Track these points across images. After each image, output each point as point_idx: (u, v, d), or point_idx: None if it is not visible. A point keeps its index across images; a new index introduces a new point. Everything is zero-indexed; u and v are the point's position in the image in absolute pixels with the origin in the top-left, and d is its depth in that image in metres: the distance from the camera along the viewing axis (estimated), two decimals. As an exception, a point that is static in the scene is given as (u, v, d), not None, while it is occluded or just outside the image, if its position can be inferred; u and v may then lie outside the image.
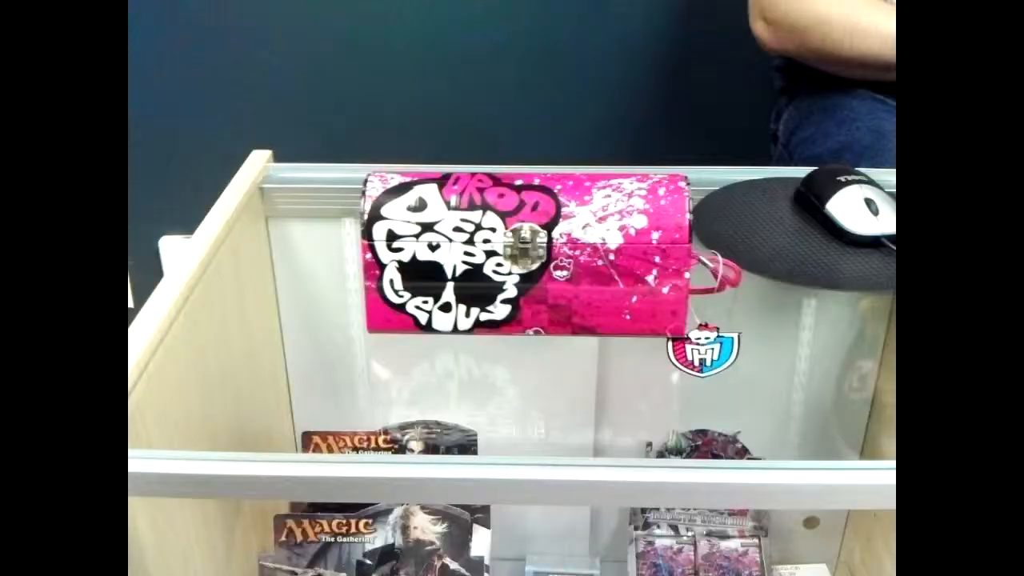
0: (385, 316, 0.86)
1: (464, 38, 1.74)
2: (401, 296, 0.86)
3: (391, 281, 0.85)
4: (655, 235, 0.83)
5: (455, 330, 0.86)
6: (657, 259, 0.83)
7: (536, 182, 0.85)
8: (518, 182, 0.84)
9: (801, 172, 0.98)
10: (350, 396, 1.10)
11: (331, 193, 1.01)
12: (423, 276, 0.85)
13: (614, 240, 0.83)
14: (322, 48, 1.75)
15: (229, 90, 1.79)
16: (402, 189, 0.86)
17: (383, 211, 0.85)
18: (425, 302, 0.86)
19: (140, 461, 0.62)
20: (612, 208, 0.83)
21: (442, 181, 0.86)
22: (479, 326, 0.86)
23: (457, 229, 0.83)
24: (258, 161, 1.02)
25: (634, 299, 0.84)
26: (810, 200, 0.94)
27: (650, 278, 0.84)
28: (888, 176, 0.97)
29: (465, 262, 0.84)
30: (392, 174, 0.87)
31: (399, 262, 0.85)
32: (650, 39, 1.75)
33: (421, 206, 0.85)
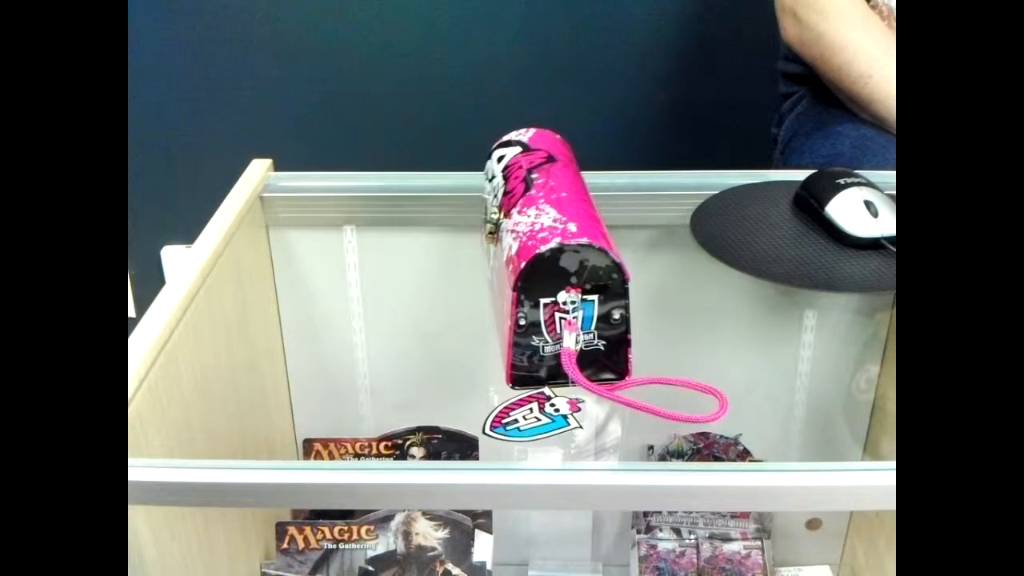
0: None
1: (464, 45, 1.75)
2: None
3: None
4: (509, 268, 0.77)
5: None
6: (509, 293, 0.77)
7: (535, 177, 0.84)
8: (535, 175, 0.84)
9: (800, 175, 0.98)
10: (351, 403, 1.10)
11: (331, 201, 1.01)
12: (492, 220, 0.87)
13: (505, 256, 0.79)
14: (321, 57, 1.75)
15: (229, 100, 1.79)
16: (515, 144, 0.92)
17: (495, 152, 0.92)
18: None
19: (141, 469, 0.62)
20: (519, 227, 0.79)
21: (526, 149, 0.90)
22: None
23: (491, 190, 0.87)
24: (258, 170, 1.03)
25: (508, 322, 0.79)
26: (810, 203, 0.94)
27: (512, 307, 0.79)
28: (889, 178, 0.97)
29: (490, 219, 0.86)
30: (542, 134, 0.93)
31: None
32: (654, 42, 1.75)
33: (500, 159, 0.90)
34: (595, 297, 0.77)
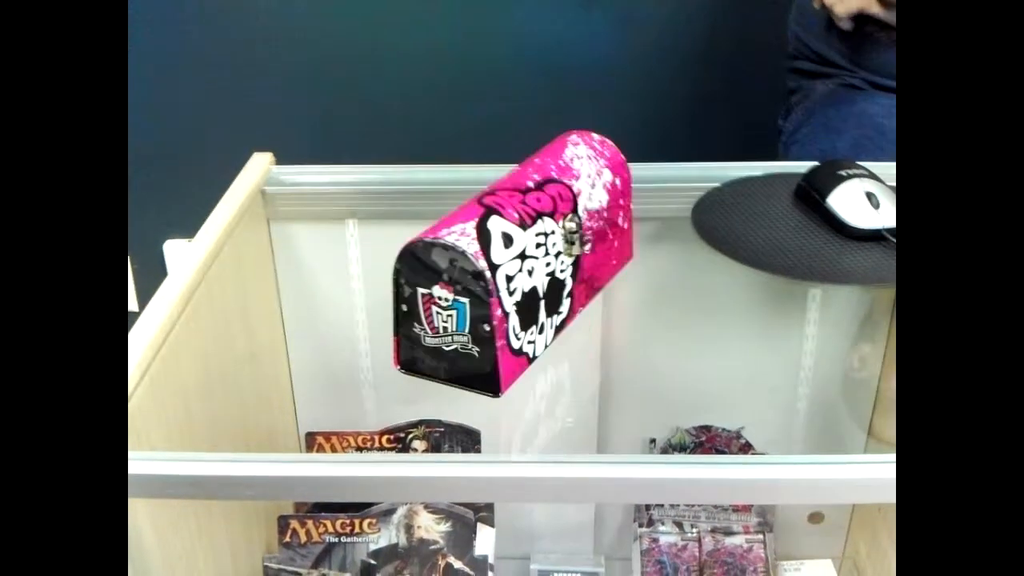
0: (512, 369, 0.81)
1: (467, 39, 1.74)
2: (519, 338, 0.80)
3: (513, 328, 0.79)
4: (617, 181, 0.90)
5: (545, 348, 0.84)
6: (621, 201, 0.91)
7: (538, 177, 0.84)
8: (529, 183, 0.84)
9: (802, 167, 0.98)
10: (353, 396, 1.10)
11: (333, 195, 1.01)
12: (530, 307, 0.80)
13: (604, 198, 0.88)
14: (323, 50, 1.75)
15: (231, 93, 1.79)
16: (485, 233, 0.78)
17: (494, 258, 0.77)
18: (530, 333, 0.81)
19: (142, 463, 0.63)
20: (592, 172, 0.88)
21: (491, 210, 0.80)
22: (556, 332, 0.85)
23: (538, 245, 0.80)
24: (259, 164, 1.03)
25: (616, 243, 0.90)
26: (811, 195, 0.94)
27: (620, 219, 0.91)
28: (891, 170, 0.97)
29: (547, 274, 0.81)
30: (455, 226, 0.78)
31: (516, 304, 0.79)
32: (659, 35, 1.75)
33: (509, 240, 0.79)
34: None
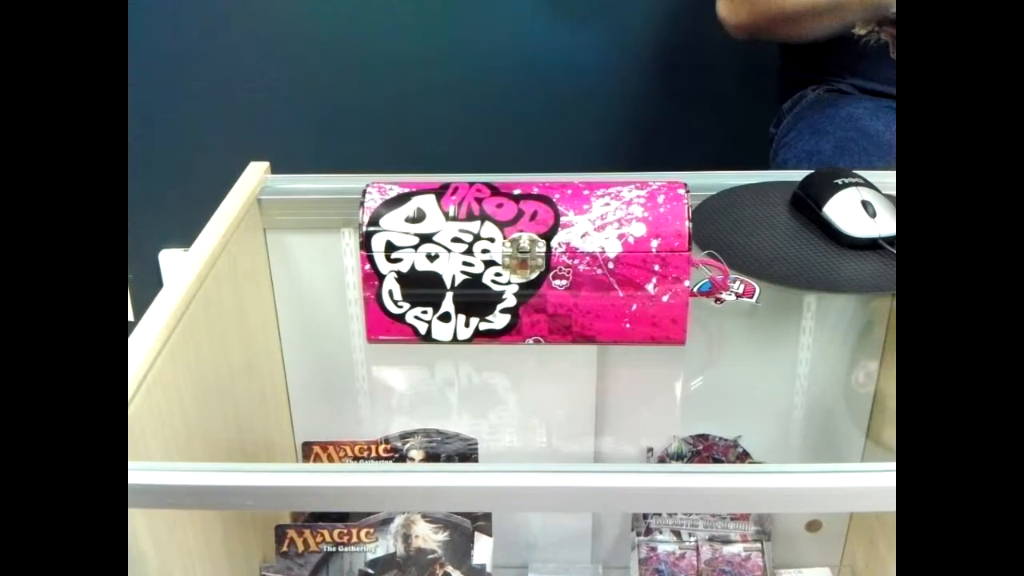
0: (385, 326, 0.87)
1: (461, 47, 1.75)
2: (400, 306, 0.86)
3: (390, 292, 0.85)
4: (654, 243, 0.83)
5: (455, 339, 0.86)
6: (656, 267, 0.83)
7: (535, 191, 0.85)
8: (516, 192, 0.84)
9: (798, 175, 0.98)
10: (350, 406, 1.10)
11: (328, 204, 1.01)
12: (422, 286, 0.85)
13: (613, 249, 0.83)
14: (319, 59, 1.75)
15: (227, 102, 1.79)
16: (400, 200, 0.85)
17: (381, 222, 0.85)
18: (424, 312, 0.86)
19: (140, 472, 0.62)
20: (611, 216, 0.83)
21: (440, 192, 0.85)
22: (479, 335, 0.86)
23: (456, 240, 0.83)
24: (255, 173, 1.02)
25: (633, 307, 0.85)
26: (807, 203, 0.94)
27: (649, 286, 0.84)
28: (886, 178, 0.97)
29: (464, 272, 0.84)
30: (391, 185, 0.87)
31: (398, 272, 0.85)
32: (653, 42, 1.75)
33: (419, 217, 0.84)
34: None
